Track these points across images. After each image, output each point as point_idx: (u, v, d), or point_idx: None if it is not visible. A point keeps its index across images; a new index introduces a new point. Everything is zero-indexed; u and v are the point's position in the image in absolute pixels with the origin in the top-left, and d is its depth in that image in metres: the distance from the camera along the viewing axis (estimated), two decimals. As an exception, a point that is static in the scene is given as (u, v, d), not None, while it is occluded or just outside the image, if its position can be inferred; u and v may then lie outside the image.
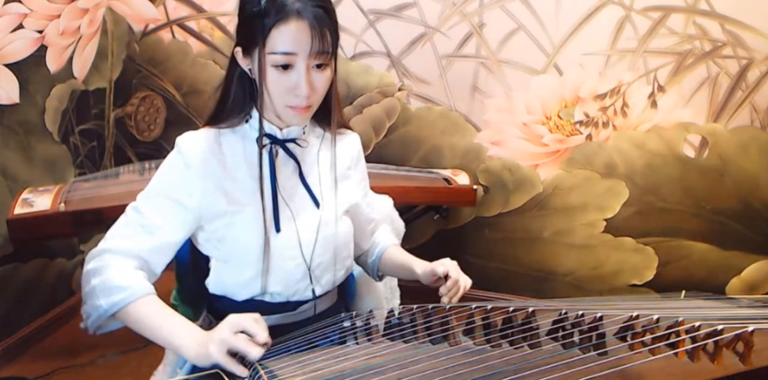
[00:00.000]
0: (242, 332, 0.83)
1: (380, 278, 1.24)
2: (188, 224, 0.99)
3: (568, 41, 2.00)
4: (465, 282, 1.04)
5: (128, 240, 0.96)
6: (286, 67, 0.91)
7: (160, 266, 0.99)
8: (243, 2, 0.94)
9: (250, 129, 1.02)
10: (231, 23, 2.31)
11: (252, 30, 0.91)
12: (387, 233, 1.25)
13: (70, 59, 2.13)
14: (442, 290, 1.02)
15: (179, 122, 2.47)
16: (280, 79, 0.92)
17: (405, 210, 1.97)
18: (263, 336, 0.83)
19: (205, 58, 2.38)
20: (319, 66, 0.93)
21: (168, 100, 2.47)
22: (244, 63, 0.97)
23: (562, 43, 2.01)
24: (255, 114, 1.01)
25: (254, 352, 0.81)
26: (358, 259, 1.25)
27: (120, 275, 0.92)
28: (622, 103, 2.01)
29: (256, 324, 0.84)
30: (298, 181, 1.05)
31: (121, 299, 0.90)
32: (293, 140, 1.03)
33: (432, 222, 2.27)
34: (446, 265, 1.04)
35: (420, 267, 1.08)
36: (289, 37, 0.89)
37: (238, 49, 0.96)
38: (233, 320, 0.84)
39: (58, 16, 2.02)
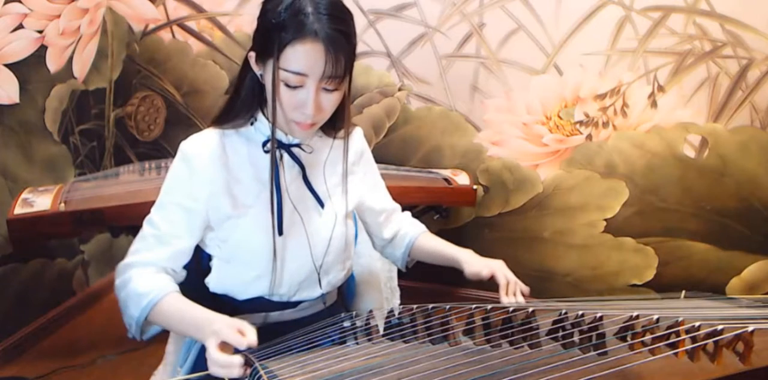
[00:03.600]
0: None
1: (408, 265, 1.27)
2: (199, 228, 1.01)
3: (568, 41, 2.00)
4: (513, 281, 1.07)
5: (146, 253, 0.99)
6: (296, 86, 0.91)
7: (181, 266, 1.02)
8: (264, 10, 0.93)
9: (255, 131, 1.02)
10: (231, 23, 2.31)
11: (268, 41, 0.90)
12: (412, 222, 1.27)
13: (70, 59, 2.13)
14: (503, 300, 1.04)
15: (179, 122, 2.47)
16: (289, 95, 0.92)
17: (405, 210, 1.96)
18: (244, 342, 0.82)
19: (205, 58, 2.38)
20: (329, 88, 0.92)
21: (168, 100, 2.47)
22: (256, 68, 0.96)
23: (562, 43, 2.01)
24: (261, 117, 1.01)
25: (234, 373, 0.81)
26: (383, 251, 1.27)
27: (141, 283, 0.96)
28: (622, 103, 2.01)
29: (238, 336, 0.82)
30: (302, 184, 1.05)
31: (146, 304, 0.93)
32: (298, 145, 1.03)
33: (432, 222, 2.26)
34: (492, 268, 1.07)
35: (466, 262, 1.11)
36: (302, 57, 0.88)
37: (252, 54, 0.96)
38: (215, 332, 0.84)
39: (58, 16, 2.02)
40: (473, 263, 1.10)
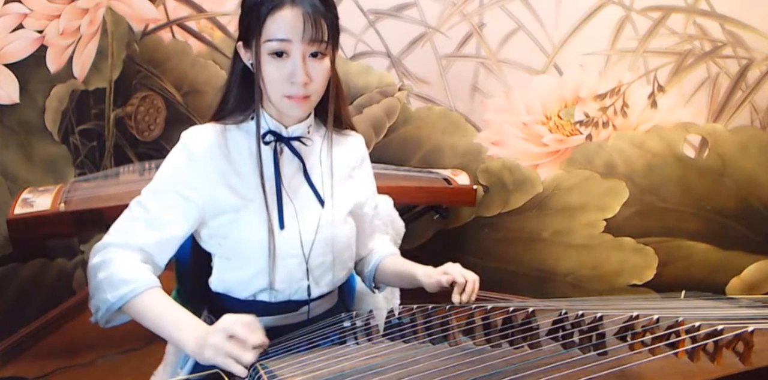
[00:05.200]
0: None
1: (377, 289, 1.22)
2: (193, 218, 1.00)
3: (568, 41, 2.00)
4: (473, 280, 1.03)
5: (133, 235, 0.96)
6: (281, 54, 0.92)
7: (165, 260, 1.00)
8: None
9: (255, 125, 1.02)
10: (231, 23, 2.31)
11: (250, 21, 0.93)
12: (385, 243, 1.23)
13: (70, 59, 2.13)
14: (455, 298, 1.01)
15: (179, 122, 2.47)
16: (276, 68, 0.93)
17: (405, 210, 1.97)
18: (254, 339, 0.82)
19: (205, 58, 2.38)
20: (315, 55, 0.93)
21: (168, 100, 2.47)
22: (245, 57, 0.98)
23: (562, 43, 2.01)
24: (260, 111, 1.01)
25: (246, 358, 0.81)
26: (355, 268, 1.23)
27: (125, 268, 0.93)
28: (622, 103, 2.01)
29: (247, 329, 0.82)
30: (303, 179, 1.05)
31: (126, 292, 0.91)
32: (298, 138, 1.03)
33: (432, 222, 2.27)
34: (450, 273, 1.03)
35: (424, 276, 1.06)
36: (283, 23, 0.90)
37: (240, 44, 0.97)
38: (224, 326, 0.82)
39: (58, 16, 2.02)
40: (431, 274, 1.05)
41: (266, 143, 1.01)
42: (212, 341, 0.82)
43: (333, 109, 1.05)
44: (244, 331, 0.82)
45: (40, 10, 1.94)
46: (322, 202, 1.05)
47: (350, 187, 1.11)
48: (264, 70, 0.94)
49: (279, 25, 0.91)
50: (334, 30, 0.94)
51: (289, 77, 0.93)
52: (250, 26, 0.93)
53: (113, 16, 2.32)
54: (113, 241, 0.96)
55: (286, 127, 1.02)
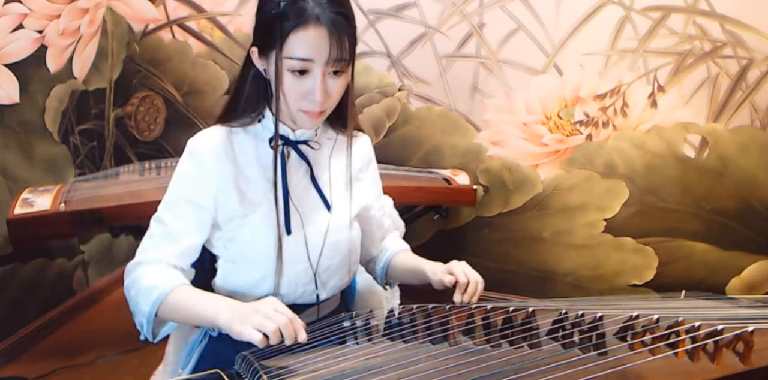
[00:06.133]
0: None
1: (389, 285, 1.22)
2: (207, 224, 1.00)
3: (568, 41, 2.00)
4: (476, 281, 1.02)
5: (154, 251, 0.98)
6: (302, 72, 0.91)
7: (189, 265, 1.01)
8: (261, 3, 0.94)
9: (262, 129, 1.02)
10: (231, 23, 2.31)
11: (270, 32, 0.90)
12: (396, 239, 1.24)
13: (70, 59, 2.13)
14: (456, 299, 1.01)
15: (179, 122, 2.47)
16: (295, 84, 0.92)
17: (405, 210, 1.97)
18: (292, 315, 0.83)
19: (205, 58, 2.38)
20: (335, 72, 0.92)
21: (168, 100, 2.47)
22: (259, 63, 0.96)
23: (562, 43, 2.01)
24: (268, 114, 1.01)
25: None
26: (366, 266, 1.24)
27: (151, 277, 0.94)
28: (622, 103, 2.01)
29: (291, 326, 0.82)
30: (310, 183, 1.05)
31: (157, 296, 0.92)
32: (305, 142, 1.03)
33: (432, 222, 2.27)
34: (454, 273, 1.02)
35: (430, 272, 1.05)
36: (306, 43, 0.89)
37: (254, 49, 0.96)
38: (273, 299, 0.85)
39: (58, 16, 2.02)
40: (436, 271, 1.04)
41: (277, 148, 1.01)
42: (260, 306, 0.83)
43: (351, 120, 1.04)
44: (287, 310, 0.84)
45: (40, 10, 1.94)
46: (329, 207, 1.05)
47: (357, 189, 1.11)
48: (282, 84, 0.93)
49: (302, 44, 0.89)
50: (354, 44, 0.93)
51: (307, 94, 0.92)
52: (270, 38, 0.91)
53: (113, 16, 2.32)
54: (139, 261, 0.98)
55: (293, 131, 1.01)
